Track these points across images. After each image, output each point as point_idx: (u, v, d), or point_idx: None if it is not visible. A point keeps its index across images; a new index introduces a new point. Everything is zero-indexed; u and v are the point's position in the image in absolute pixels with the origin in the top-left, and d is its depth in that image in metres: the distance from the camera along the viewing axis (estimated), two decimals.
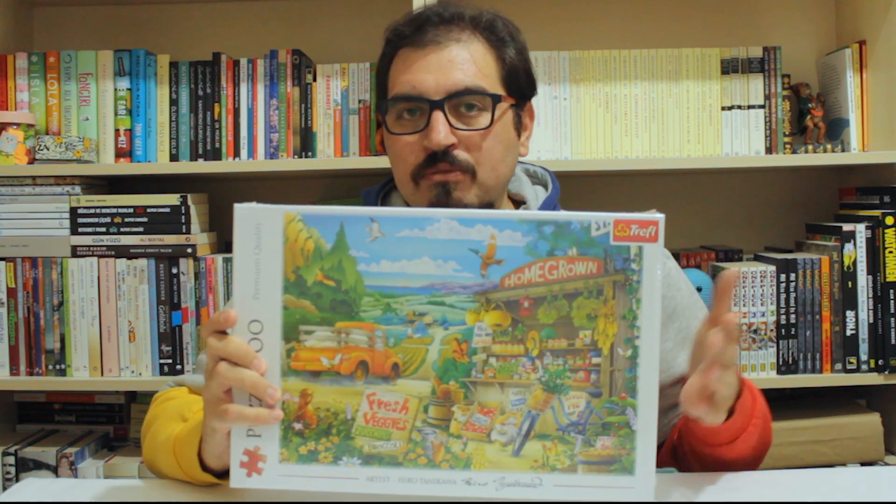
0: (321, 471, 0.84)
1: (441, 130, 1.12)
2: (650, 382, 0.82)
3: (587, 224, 0.82)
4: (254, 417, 0.84)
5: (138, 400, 1.98)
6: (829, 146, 1.92)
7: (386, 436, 0.83)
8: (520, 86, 1.21)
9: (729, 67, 1.88)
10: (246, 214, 0.83)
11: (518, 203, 1.29)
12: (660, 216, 0.82)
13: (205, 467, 0.96)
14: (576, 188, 2.08)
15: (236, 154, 1.88)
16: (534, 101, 1.26)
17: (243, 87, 1.88)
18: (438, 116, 1.13)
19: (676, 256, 1.94)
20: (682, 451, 1.10)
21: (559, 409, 0.83)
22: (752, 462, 1.06)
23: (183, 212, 1.82)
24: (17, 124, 1.84)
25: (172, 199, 1.83)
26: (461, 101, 1.14)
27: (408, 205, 1.23)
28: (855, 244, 1.79)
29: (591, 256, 0.82)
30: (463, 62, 1.15)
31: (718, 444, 1.02)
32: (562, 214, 0.83)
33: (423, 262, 0.82)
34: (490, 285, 0.82)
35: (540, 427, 0.83)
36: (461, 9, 1.18)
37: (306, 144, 1.88)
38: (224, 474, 0.92)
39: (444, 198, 1.15)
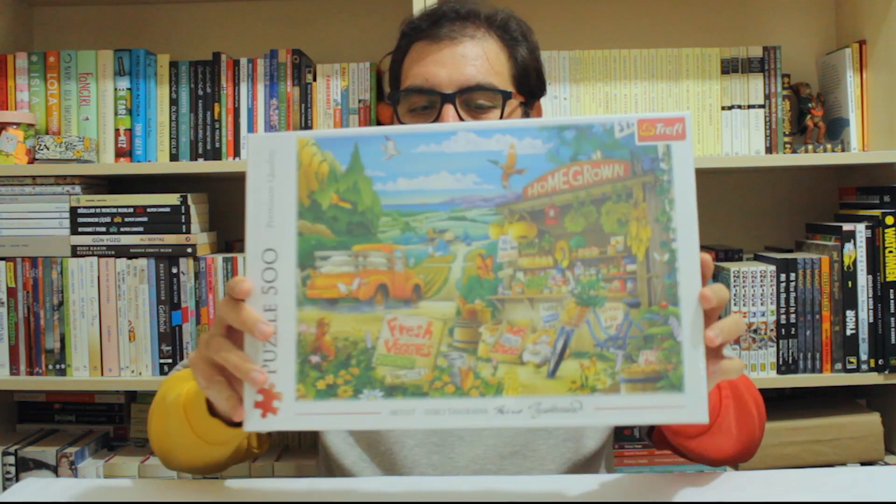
0: (341, 406, 0.77)
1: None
2: (692, 289, 0.75)
3: (610, 126, 0.77)
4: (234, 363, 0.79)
5: (138, 400, 1.98)
6: (829, 146, 1.92)
7: (409, 363, 0.77)
8: (530, 85, 1.22)
9: (729, 67, 1.88)
10: (259, 143, 0.82)
11: None
12: (686, 112, 0.79)
13: (214, 413, 0.91)
14: None
15: (236, 154, 1.88)
16: None
17: (243, 87, 1.88)
18: (449, 110, 1.14)
19: None
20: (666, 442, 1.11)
21: (595, 324, 0.76)
22: (731, 458, 1.06)
23: (183, 212, 1.82)
24: (17, 124, 1.84)
25: (172, 198, 1.83)
26: (472, 96, 1.16)
27: None
28: (855, 244, 1.79)
29: (617, 159, 0.77)
30: (476, 58, 1.16)
31: (688, 436, 1.02)
32: (583, 118, 0.78)
33: (441, 177, 0.78)
34: (512, 196, 0.77)
35: (576, 344, 0.76)
36: (477, 6, 1.20)
37: None
38: (238, 425, 0.88)
39: None
